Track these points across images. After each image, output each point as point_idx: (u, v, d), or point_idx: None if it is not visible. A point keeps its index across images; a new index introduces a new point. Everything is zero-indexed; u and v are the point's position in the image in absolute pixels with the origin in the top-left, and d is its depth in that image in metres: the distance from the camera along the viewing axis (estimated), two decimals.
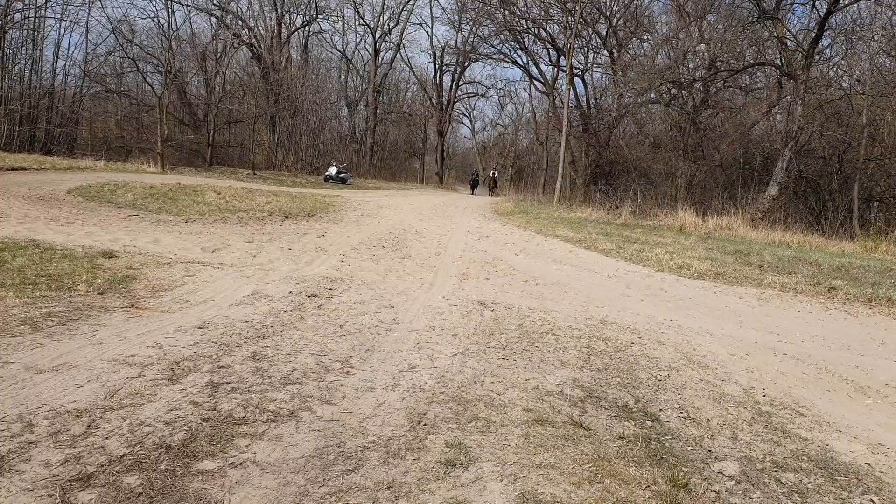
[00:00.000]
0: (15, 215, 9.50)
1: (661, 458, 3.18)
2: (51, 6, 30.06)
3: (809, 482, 3.08)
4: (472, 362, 4.45)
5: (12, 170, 16.12)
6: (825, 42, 21.74)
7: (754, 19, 21.27)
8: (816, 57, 21.06)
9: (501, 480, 2.78)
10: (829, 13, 19.42)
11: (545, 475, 2.86)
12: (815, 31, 20.23)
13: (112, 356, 3.84)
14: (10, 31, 28.26)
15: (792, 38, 21.53)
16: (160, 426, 2.98)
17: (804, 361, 5.33)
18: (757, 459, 3.28)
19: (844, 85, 22.55)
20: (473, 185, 37.87)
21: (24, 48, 29.15)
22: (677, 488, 2.86)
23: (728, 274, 9.79)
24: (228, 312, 5.24)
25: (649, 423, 3.63)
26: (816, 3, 21.59)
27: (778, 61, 21.88)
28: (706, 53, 23.82)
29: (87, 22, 32.49)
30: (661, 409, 3.88)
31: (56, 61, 31.52)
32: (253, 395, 3.46)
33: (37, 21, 29.38)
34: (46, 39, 30.67)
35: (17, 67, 28.98)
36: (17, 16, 28.49)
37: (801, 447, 3.49)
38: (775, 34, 21.10)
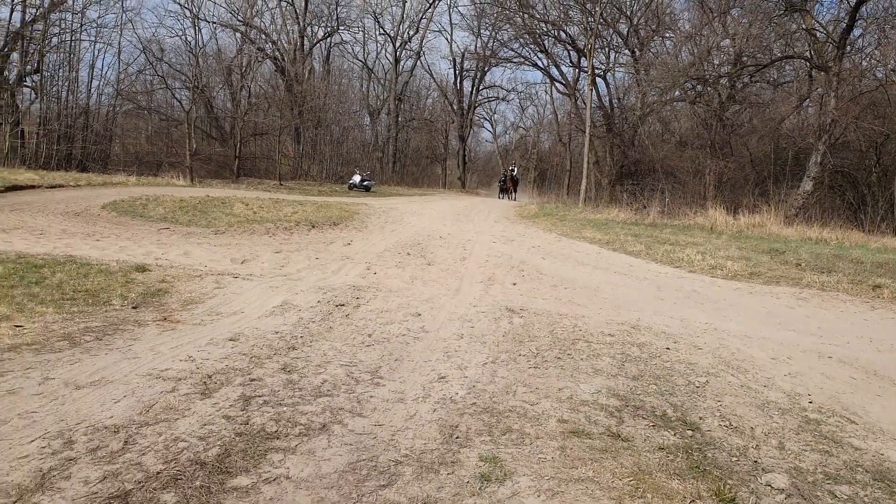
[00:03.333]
0: (54, 231, 9.71)
1: (705, 469, 3.07)
2: (86, 29, 30.95)
3: (866, 495, 2.94)
4: (502, 371, 4.38)
5: (51, 187, 16.52)
6: (856, 32, 21.24)
7: (781, 12, 20.86)
8: (848, 48, 20.55)
9: (539, 496, 2.70)
10: (859, 3, 18.96)
11: (584, 490, 2.78)
12: (846, 21, 19.75)
13: (147, 370, 3.86)
14: (48, 55, 29.12)
15: (821, 30, 21.08)
16: (194, 441, 2.97)
17: (851, 365, 5.14)
18: (807, 471, 3.15)
19: (879, 75, 21.93)
20: (503, 190, 34.46)
21: (61, 70, 30.08)
22: (724, 502, 2.75)
23: (763, 273, 9.56)
24: (258, 324, 5.25)
25: (689, 433, 3.52)
26: None
27: (808, 54, 21.41)
28: (731, 49, 23.42)
29: (119, 43, 33.28)
30: (701, 418, 3.76)
31: (91, 81, 32.45)
32: (285, 409, 3.44)
33: (72, 44, 30.28)
34: (81, 61, 31.55)
35: (54, 89, 29.84)
36: (55, 40, 29.35)
37: (854, 457, 3.35)
38: (804, 26, 20.68)
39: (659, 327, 6.05)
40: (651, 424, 3.60)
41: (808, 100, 23.61)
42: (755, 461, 3.22)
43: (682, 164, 25.51)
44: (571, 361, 4.73)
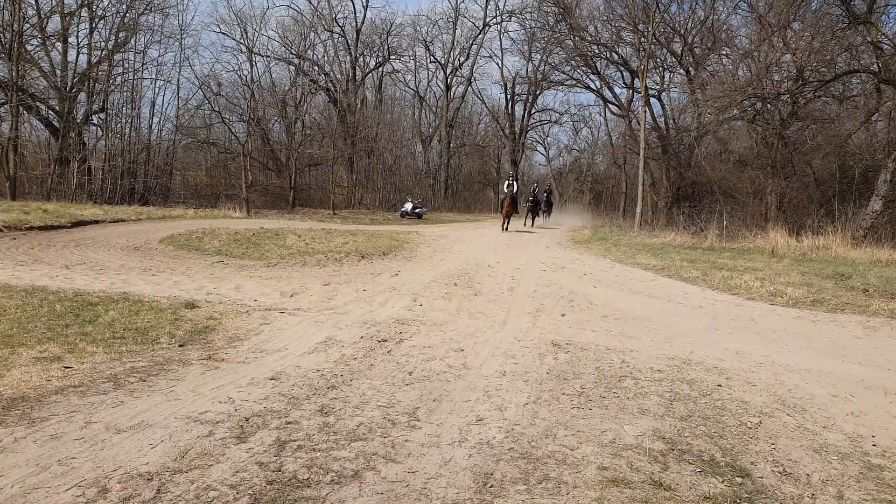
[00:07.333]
0: (113, 266, 10.13)
1: None
2: (147, 68, 32.71)
3: None
4: (543, 412, 4.25)
5: (114, 221, 17.32)
6: None
7: (844, 25, 20.10)
8: None
9: None
10: None
11: None
12: None
13: (186, 413, 3.92)
14: (113, 94, 30.90)
15: (889, 42, 20.15)
16: (225, 490, 2.97)
17: None
18: None
19: None
20: (546, 207, 27.73)
21: (124, 108, 31.87)
22: None
23: (827, 300, 9.07)
24: (301, 361, 5.29)
25: (739, 480, 3.32)
26: None
27: (874, 67, 20.48)
28: (792, 64, 22.63)
29: (178, 80, 35.00)
30: (752, 463, 3.54)
31: (152, 118, 34.18)
32: (318, 455, 3.41)
33: (135, 83, 32.04)
34: (143, 98, 33.34)
35: (118, 126, 31.59)
36: (118, 79, 31.12)
37: None
38: (869, 39, 19.83)
39: (711, 361, 5.78)
40: (698, 470, 3.41)
41: (876, 114, 22.53)
42: None
43: (742, 185, 24.71)
44: (617, 401, 4.56)
